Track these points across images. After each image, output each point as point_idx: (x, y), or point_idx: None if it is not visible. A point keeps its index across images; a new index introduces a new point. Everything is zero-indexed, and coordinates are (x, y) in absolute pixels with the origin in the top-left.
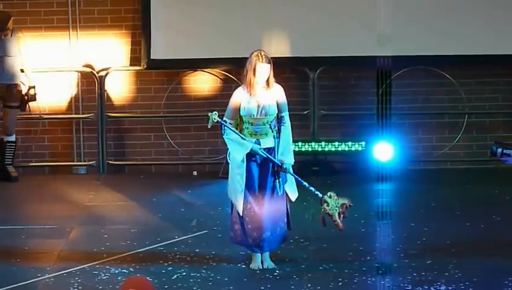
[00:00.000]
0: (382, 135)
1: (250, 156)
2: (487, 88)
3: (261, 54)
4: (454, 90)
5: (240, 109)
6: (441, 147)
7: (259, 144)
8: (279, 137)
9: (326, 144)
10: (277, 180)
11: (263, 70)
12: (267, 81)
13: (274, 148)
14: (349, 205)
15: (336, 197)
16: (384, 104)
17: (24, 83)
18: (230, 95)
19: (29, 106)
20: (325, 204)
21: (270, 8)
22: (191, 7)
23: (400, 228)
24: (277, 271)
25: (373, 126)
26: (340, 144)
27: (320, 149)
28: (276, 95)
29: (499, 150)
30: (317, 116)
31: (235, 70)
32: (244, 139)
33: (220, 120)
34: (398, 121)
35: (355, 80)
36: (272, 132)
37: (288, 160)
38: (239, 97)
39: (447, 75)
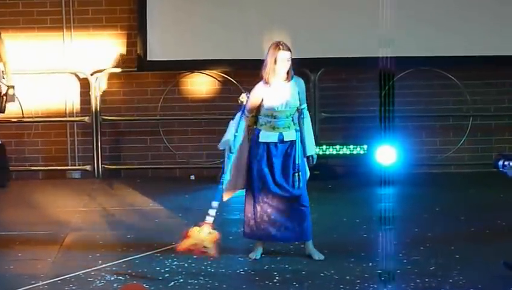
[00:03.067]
0: (385, 138)
1: (272, 148)
2: (492, 90)
3: (281, 43)
4: (458, 92)
5: (260, 104)
6: (445, 150)
7: (283, 138)
8: (301, 130)
9: (328, 147)
10: (296, 174)
11: (284, 58)
12: (288, 72)
13: (295, 141)
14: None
15: (212, 238)
16: (387, 106)
17: (4, 84)
18: (228, 97)
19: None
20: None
21: (269, 9)
22: (188, 7)
23: (403, 233)
24: (277, 277)
25: (375, 129)
26: (341, 147)
27: (321, 153)
28: (298, 87)
29: (500, 162)
30: (318, 119)
31: (234, 72)
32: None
33: (244, 104)
34: (401, 123)
35: (357, 81)
36: (294, 125)
37: (314, 151)
38: (260, 92)
39: (452, 77)
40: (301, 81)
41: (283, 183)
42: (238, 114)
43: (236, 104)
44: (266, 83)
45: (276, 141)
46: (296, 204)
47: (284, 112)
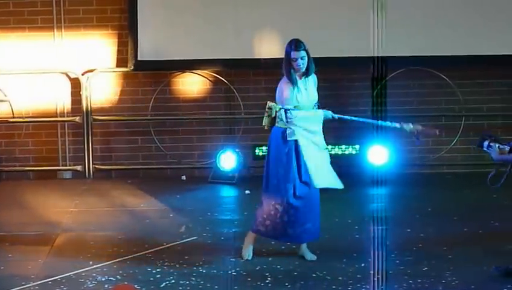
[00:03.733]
0: (377, 138)
1: (290, 149)
2: (485, 89)
3: (293, 42)
4: (451, 92)
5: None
6: (437, 151)
7: None
8: None
9: None
10: None
11: (296, 57)
12: (307, 69)
13: None
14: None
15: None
16: (379, 106)
17: None
18: (220, 97)
19: None
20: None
21: (261, 8)
22: (179, 7)
23: (395, 234)
24: (269, 278)
25: (367, 129)
26: (333, 147)
27: None
28: (314, 82)
29: (485, 143)
30: None
31: (225, 71)
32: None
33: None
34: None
35: (349, 81)
36: None
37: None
38: (289, 87)
39: (444, 76)
40: (315, 77)
41: (308, 180)
42: (283, 115)
43: (226, 103)
44: (289, 80)
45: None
46: (315, 201)
47: (308, 108)
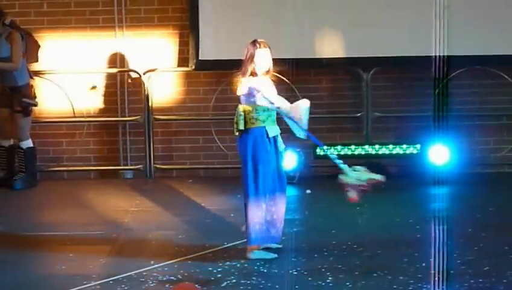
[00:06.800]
0: (438, 138)
1: (277, 142)
2: None
3: (257, 41)
4: None
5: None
6: (499, 150)
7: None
8: None
9: (380, 147)
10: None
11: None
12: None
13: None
14: (380, 182)
15: (364, 171)
16: (441, 105)
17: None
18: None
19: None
20: (344, 175)
21: (322, 8)
22: (241, 6)
23: (457, 233)
24: (329, 278)
25: (429, 128)
26: (394, 147)
27: (374, 152)
28: None
29: None
30: (370, 119)
31: (288, 71)
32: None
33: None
34: (454, 123)
35: (410, 80)
36: None
37: None
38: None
39: (505, 76)
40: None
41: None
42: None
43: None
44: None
45: (277, 134)
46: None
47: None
